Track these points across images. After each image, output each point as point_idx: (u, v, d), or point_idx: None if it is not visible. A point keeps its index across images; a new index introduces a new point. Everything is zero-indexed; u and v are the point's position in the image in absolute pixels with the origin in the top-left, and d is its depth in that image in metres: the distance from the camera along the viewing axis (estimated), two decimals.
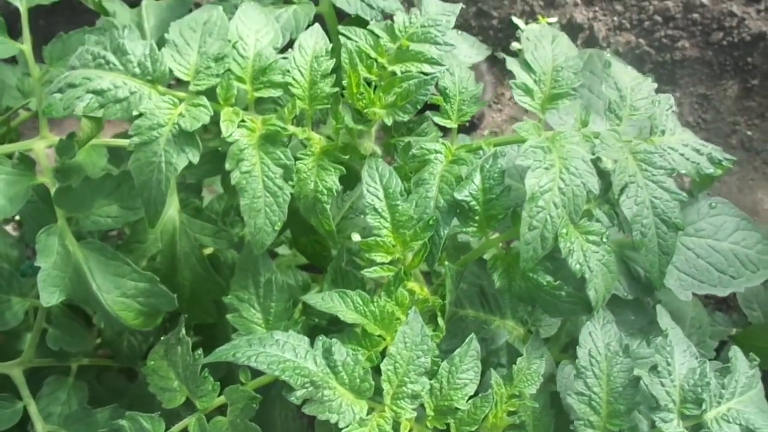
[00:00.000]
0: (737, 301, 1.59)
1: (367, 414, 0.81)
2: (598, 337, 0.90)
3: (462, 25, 2.14)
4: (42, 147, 1.09)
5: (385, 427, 0.81)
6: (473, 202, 0.88)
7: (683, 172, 1.04)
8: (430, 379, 0.84)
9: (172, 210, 1.18)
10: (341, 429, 0.79)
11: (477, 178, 0.89)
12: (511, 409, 0.87)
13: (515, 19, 2.16)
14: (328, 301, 0.87)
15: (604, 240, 0.90)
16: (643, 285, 1.08)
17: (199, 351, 1.01)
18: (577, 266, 0.86)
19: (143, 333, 1.28)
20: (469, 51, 1.23)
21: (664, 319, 0.92)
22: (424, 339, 0.83)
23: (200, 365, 1.00)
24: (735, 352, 0.91)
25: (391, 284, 0.89)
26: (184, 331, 1.01)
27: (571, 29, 2.22)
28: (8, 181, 1.03)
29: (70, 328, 1.24)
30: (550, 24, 1.87)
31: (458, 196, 0.88)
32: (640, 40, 2.23)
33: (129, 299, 1.02)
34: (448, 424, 0.85)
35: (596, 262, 0.87)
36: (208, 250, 1.24)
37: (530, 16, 2.23)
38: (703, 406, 0.86)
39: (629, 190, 0.94)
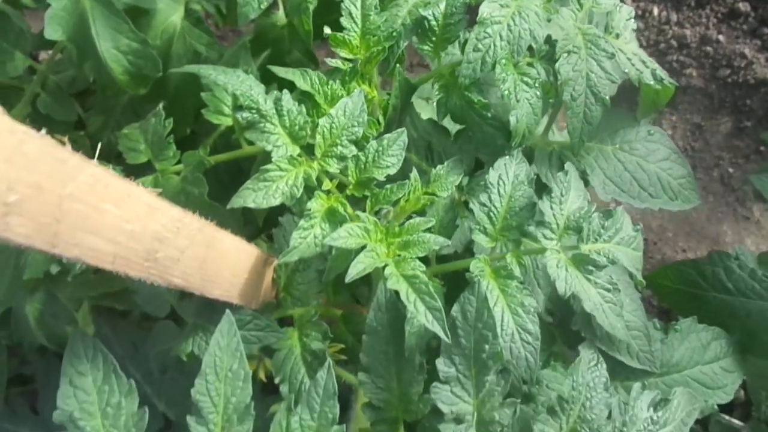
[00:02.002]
0: None
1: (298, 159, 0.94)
2: (510, 167, 1.03)
3: None
4: None
5: (310, 174, 0.94)
6: (433, 22, 1.02)
7: (625, 71, 1.18)
8: (359, 151, 0.97)
9: (176, 16, 1.32)
10: (272, 160, 0.92)
11: (442, 4, 1.02)
12: (423, 202, 1.00)
13: None
14: (289, 73, 1.01)
15: (536, 86, 1.03)
16: None
17: (170, 119, 1.14)
18: (506, 92, 0.99)
19: None
20: None
21: (570, 172, 1.05)
22: (361, 113, 0.96)
23: (167, 132, 1.13)
24: (617, 212, 1.04)
25: (346, 75, 1.02)
26: (162, 108, 1.14)
27: None
28: None
29: (61, 97, 1.37)
30: None
31: (423, 12, 1.01)
32: (652, 59, 2.36)
33: (121, 54, 1.15)
34: (365, 196, 0.97)
35: (524, 97, 1.01)
36: None
37: None
38: (582, 237, 0.99)
39: (570, 58, 1.07)
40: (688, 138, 2.53)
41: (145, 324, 1.26)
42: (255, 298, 1.02)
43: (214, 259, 0.83)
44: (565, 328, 1.28)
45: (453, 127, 1.22)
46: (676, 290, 1.52)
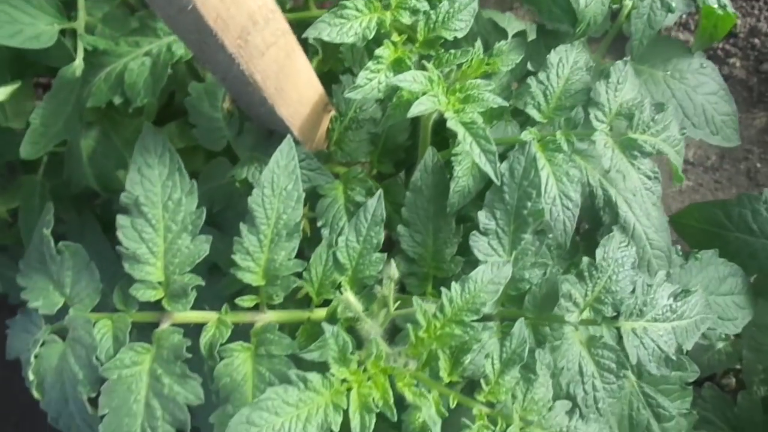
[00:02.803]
0: None
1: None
2: (571, 53, 1.07)
3: None
4: None
5: (383, 21, 0.98)
6: None
7: None
8: (431, 9, 1.00)
9: None
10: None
11: None
12: (484, 70, 1.03)
13: None
14: None
15: None
16: None
17: None
18: None
19: None
20: None
21: (629, 64, 1.08)
22: None
23: None
24: (668, 109, 1.07)
25: None
26: None
27: None
28: None
29: None
30: None
31: None
32: None
33: None
34: (431, 56, 1.01)
35: None
36: None
37: None
38: (632, 125, 1.03)
39: None
40: None
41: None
42: (311, 140, 1.07)
43: (288, 73, 0.87)
44: (590, 240, 1.32)
45: (511, 32, 1.25)
46: (700, 230, 1.55)
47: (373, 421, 0.76)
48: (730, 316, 1.41)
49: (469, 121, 0.90)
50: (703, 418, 1.66)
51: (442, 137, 1.20)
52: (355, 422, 0.75)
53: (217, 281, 1.05)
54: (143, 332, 0.91)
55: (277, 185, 0.91)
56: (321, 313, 0.97)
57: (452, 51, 1.01)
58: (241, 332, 0.93)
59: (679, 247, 1.40)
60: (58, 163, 1.59)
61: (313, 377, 0.76)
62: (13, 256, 1.76)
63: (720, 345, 1.86)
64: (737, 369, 1.98)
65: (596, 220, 1.27)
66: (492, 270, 0.84)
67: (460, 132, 0.90)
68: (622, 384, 1.00)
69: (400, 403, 0.81)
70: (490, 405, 0.87)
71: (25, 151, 1.26)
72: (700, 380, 1.58)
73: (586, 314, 0.98)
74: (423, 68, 0.98)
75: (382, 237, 0.92)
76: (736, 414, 1.64)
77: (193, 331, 0.92)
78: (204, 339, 0.90)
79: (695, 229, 1.57)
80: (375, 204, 0.91)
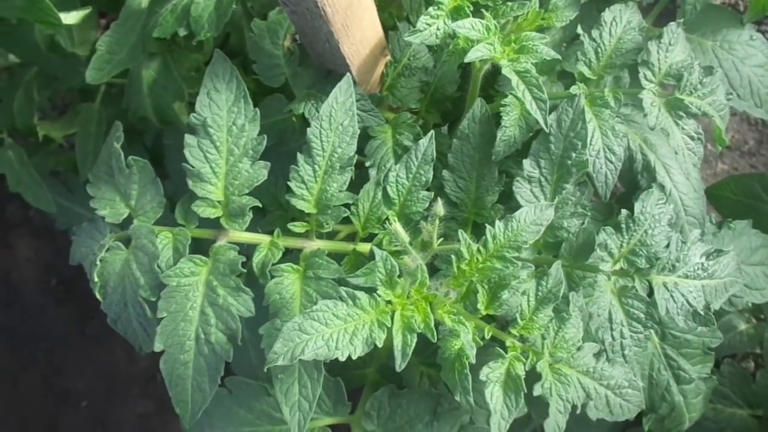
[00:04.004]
0: None
1: None
2: (625, 13, 1.09)
3: None
4: None
5: None
6: None
7: None
8: None
9: None
10: None
11: None
12: (539, 24, 1.06)
13: None
14: None
15: None
16: None
17: None
18: None
19: None
20: None
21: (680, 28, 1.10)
22: None
23: None
24: (716, 73, 1.09)
25: None
26: None
27: None
28: None
29: None
30: None
31: None
32: None
33: None
34: (488, 6, 1.04)
35: None
36: None
37: None
38: (680, 86, 1.06)
39: None
40: None
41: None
42: (366, 82, 1.11)
43: (356, 11, 0.91)
44: (626, 204, 1.35)
45: None
46: (735, 201, 1.57)
47: (414, 340, 0.82)
48: (759, 286, 1.43)
49: (522, 70, 0.94)
50: (721, 393, 1.69)
51: (489, 94, 1.24)
52: (397, 340, 0.81)
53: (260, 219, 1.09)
54: (200, 249, 0.97)
55: (334, 119, 0.96)
56: (365, 246, 1.02)
57: (509, 3, 1.04)
58: (290, 259, 0.98)
59: (713, 215, 1.43)
60: (116, 94, 1.66)
61: (362, 295, 0.81)
62: (66, 182, 1.84)
63: (743, 327, 1.89)
64: (757, 353, 2.01)
65: (634, 183, 1.31)
66: (535, 211, 0.88)
67: (514, 80, 0.93)
68: (649, 335, 1.04)
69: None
70: (523, 340, 0.92)
71: (90, 75, 1.32)
72: (718, 361, 1.61)
73: (619, 265, 1.02)
74: (481, 17, 1.01)
75: (430, 176, 0.96)
76: (753, 391, 1.66)
77: (245, 252, 0.98)
78: (257, 258, 0.95)
79: (730, 200, 1.59)
80: (427, 144, 0.95)
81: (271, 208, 1.16)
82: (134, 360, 2.15)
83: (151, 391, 2.13)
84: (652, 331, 1.03)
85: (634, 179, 1.31)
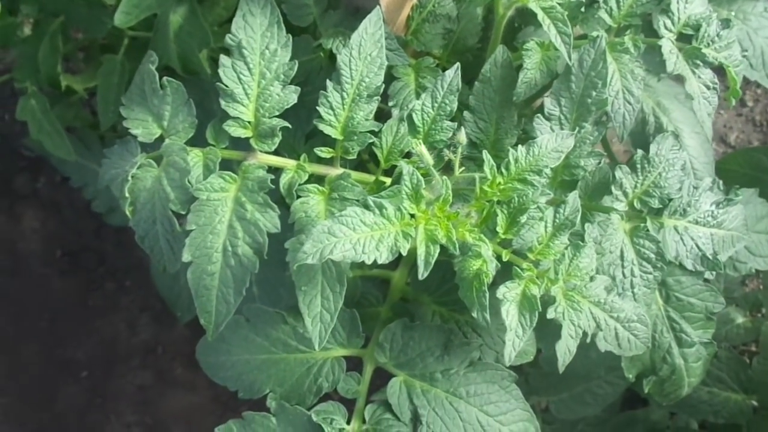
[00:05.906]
0: None
1: None
2: None
3: None
4: None
5: None
6: None
7: None
8: None
9: None
10: None
11: None
12: None
13: None
14: None
15: None
16: None
17: None
18: None
19: None
20: None
21: None
22: None
23: None
24: (733, 27, 1.12)
25: None
26: None
27: None
28: None
29: None
30: None
31: None
32: None
33: None
34: None
35: None
36: None
37: None
38: (698, 37, 1.09)
39: None
40: (767, 114, 2.59)
41: None
42: (392, 22, 1.14)
43: None
44: None
45: None
46: (743, 174, 1.61)
47: (437, 251, 0.85)
48: (763, 253, 1.46)
49: (548, 6, 0.97)
50: (717, 377, 1.72)
51: (510, 45, 1.27)
52: (421, 250, 0.84)
53: None
54: (230, 169, 1.00)
55: (363, 49, 0.99)
56: (387, 178, 1.05)
57: None
58: (316, 182, 1.02)
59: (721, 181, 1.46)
60: (138, 46, 1.68)
61: (388, 206, 0.84)
62: (82, 137, 1.87)
63: (740, 320, 1.91)
64: (753, 351, 2.04)
65: (646, 146, 1.34)
66: (556, 139, 0.91)
67: (540, 14, 0.97)
68: (658, 276, 1.08)
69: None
70: (538, 265, 0.95)
71: (118, 19, 1.35)
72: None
73: (633, 205, 1.05)
74: None
75: (455, 106, 0.99)
76: (749, 376, 1.68)
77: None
78: (284, 179, 0.98)
79: (738, 173, 1.63)
80: (452, 74, 0.99)
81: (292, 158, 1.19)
82: (135, 333, 2.18)
83: (150, 363, 2.15)
84: (660, 271, 1.06)
85: (647, 141, 1.34)
